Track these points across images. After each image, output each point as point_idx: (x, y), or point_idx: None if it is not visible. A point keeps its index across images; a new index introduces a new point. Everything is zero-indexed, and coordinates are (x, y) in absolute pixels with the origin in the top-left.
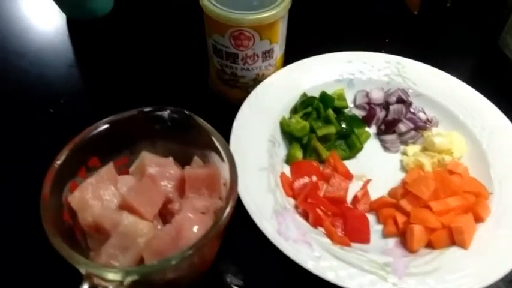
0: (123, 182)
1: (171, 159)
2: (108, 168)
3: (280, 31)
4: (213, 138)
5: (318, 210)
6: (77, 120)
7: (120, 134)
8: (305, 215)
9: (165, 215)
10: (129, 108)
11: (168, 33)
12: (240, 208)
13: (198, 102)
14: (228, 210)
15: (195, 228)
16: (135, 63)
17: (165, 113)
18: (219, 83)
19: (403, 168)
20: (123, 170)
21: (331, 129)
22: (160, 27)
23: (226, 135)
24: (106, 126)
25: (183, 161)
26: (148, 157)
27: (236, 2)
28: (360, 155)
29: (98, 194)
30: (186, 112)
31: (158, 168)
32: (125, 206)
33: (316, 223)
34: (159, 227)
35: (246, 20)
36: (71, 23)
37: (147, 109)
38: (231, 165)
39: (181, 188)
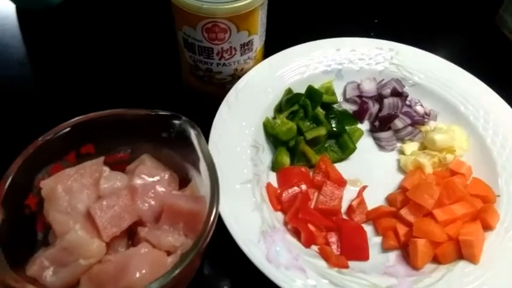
0: (109, 179)
1: (167, 175)
2: (96, 163)
3: (260, 20)
4: (203, 167)
5: (311, 227)
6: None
7: (125, 128)
8: (296, 232)
9: (133, 235)
10: (93, 111)
11: (133, 23)
12: (223, 229)
13: (170, 102)
14: (187, 261)
15: (142, 272)
16: (96, 58)
17: (177, 122)
18: (193, 79)
19: (401, 168)
20: (119, 166)
21: (321, 132)
22: (123, 17)
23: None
24: (111, 116)
25: (184, 180)
26: (147, 163)
27: None
28: (353, 156)
29: (71, 189)
30: (194, 128)
31: (145, 181)
32: (87, 215)
33: (309, 242)
34: (120, 249)
35: (220, 10)
36: (21, 14)
37: (162, 112)
38: (211, 205)
39: (160, 212)
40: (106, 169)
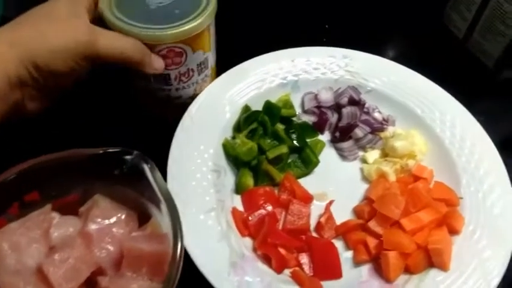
0: (60, 226)
1: (123, 215)
2: (42, 212)
3: (212, 37)
4: (162, 203)
5: (281, 251)
6: None
7: (74, 170)
8: (266, 258)
9: (93, 285)
10: (35, 153)
11: None
12: (191, 262)
13: (125, 130)
14: None
15: None
16: None
17: (128, 157)
18: (151, 105)
19: (365, 177)
20: (70, 209)
21: (283, 150)
22: None
23: (162, 170)
24: (56, 160)
25: (143, 217)
26: (101, 204)
27: (153, 14)
28: (317, 169)
29: (18, 245)
30: (147, 162)
31: (101, 225)
32: (39, 271)
33: (280, 268)
34: None
35: (174, 35)
36: None
37: (111, 150)
38: (175, 244)
39: (120, 257)
40: (55, 215)
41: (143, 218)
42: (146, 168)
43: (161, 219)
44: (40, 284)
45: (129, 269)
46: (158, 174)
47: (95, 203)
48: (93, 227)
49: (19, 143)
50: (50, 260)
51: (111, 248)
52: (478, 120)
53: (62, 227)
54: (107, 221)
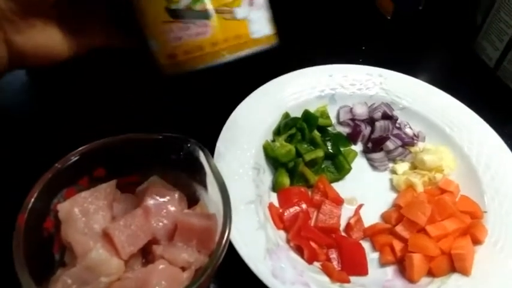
0: (121, 201)
1: (176, 195)
2: (109, 186)
3: None
4: (211, 186)
5: (313, 244)
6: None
7: (135, 152)
8: (299, 249)
9: (147, 253)
10: (96, 136)
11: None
12: (230, 247)
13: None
14: (204, 276)
15: (161, 286)
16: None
17: (186, 144)
18: (174, 28)
19: (393, 187)
20: (129, 188)
21: (319, 153)
22: None
23: None
24: (122, 141)
25: (192, 200)
26: (157, 184)
27: None
28: (349, 176)
29: (87, 211)
30: (201, 149)
31: (157, 201)
32: (105, 235)
33: (312, 259)
34: (135, 267)
35: None
36: None
37: (171, 135)
38: (225, 222)
39: (173, 230)
40: (117, 191)
41: (191, 201)
42: (202, 155)
43: (209, 201)
44: (105, 244)
45: (181, 240)
46: (213, 162)
47: (151, 183)
48: (151, 202)
49: (84, 126)
50: (115, 225)
51: (166, 221)
52: (505, 143)
53: (122, 202)
54: (162, 199)
